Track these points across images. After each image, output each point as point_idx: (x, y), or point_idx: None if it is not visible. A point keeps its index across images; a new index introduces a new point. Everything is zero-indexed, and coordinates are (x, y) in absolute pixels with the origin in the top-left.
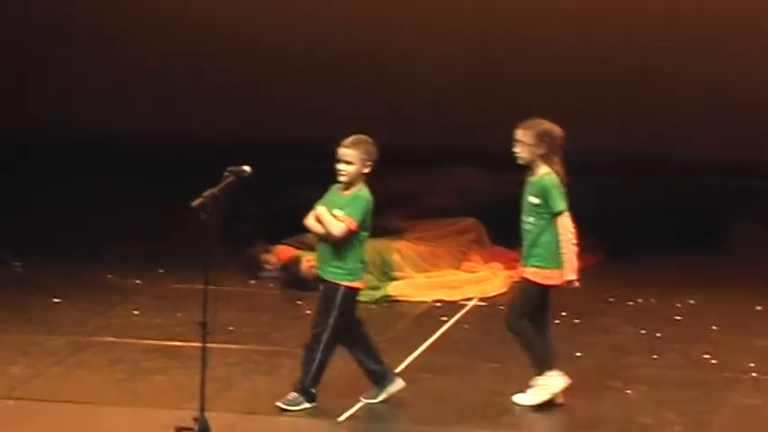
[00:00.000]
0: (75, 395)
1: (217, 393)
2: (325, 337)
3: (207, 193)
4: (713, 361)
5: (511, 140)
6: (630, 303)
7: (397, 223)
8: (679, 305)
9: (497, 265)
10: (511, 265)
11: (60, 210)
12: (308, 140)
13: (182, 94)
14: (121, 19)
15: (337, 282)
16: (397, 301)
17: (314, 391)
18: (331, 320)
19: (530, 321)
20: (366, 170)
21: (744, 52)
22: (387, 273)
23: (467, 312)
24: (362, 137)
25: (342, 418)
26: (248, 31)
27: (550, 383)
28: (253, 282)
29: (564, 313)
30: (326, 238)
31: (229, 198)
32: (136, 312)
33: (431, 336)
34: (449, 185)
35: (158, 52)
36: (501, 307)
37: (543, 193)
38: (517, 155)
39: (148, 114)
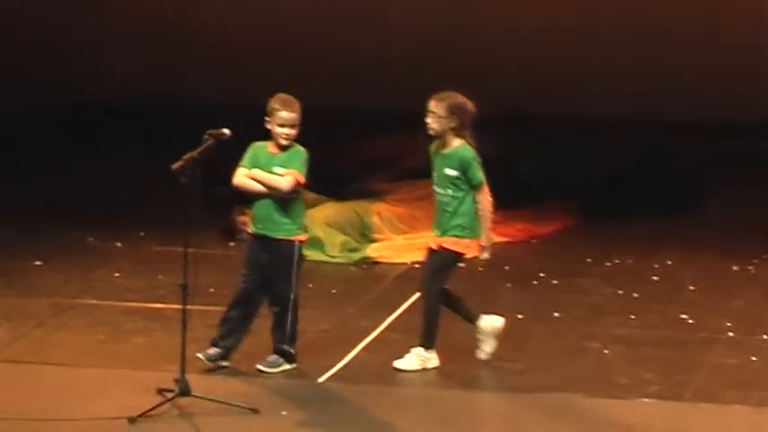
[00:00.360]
0: (57, 357)
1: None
2: (291, 295)
3: (187, 156)
4: (690, 321)
5: (491, 104)
6: (608, 264)
7: (377, 185)
8: (656, 266)
9: None
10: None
11: (41, 173)
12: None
13: (165, 58)
14: None
15: (291, 238)
16: (377, 262)
17: (293, 351)
18: (293, 278)
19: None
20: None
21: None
22: (366, 235)
23: None
24: (290, 96)
25: (322, 379)
26: None
27: (432, 358)
28: (232, 244)
29: (542, 274)
30: (269, 196)
31: (209, 160)
32: (117, 275)
33: (409, 297)
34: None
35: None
36: (480, 268)
37: (462, 166)
38: (428, 126)
39: (131, 78)
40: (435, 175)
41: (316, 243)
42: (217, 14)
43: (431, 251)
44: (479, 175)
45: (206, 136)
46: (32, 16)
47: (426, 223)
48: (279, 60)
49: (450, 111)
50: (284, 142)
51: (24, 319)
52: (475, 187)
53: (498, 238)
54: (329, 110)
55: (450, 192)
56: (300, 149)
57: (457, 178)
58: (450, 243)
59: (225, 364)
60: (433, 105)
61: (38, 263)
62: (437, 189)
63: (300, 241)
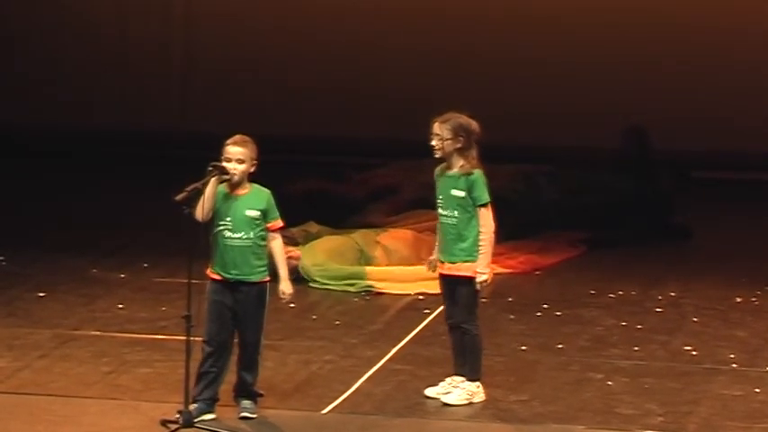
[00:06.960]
0: (61, 388)
1: None
2: (261, 336)
3: (190, 187)
4: (694, 352)
5: (491, 134)
6: (612, 295)
7: (379, 219)
8: (660, 297)
9: None
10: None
11: (44, 204)
12: (299, 134)
13: (162, 90)
14: None
15: (264, 279)
16: (381, 293)
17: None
18: (263, 319)
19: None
20: (252, 169)
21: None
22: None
23: None
24: (246, 136)
25: (326, 411)
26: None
27: (479, 392)
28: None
29: (545, 305)
30: (245, 240)
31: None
32: (120, 306)
33: (414, 328)
34: (426, 178)
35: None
36: (484, 299)
37: (469, 186)
38: (434, 148)
39: (132, 109)
40: (441, 198)
41: (317, 268)
42: (217, 42)
43: (445, 279)
44: (486, 195)
45: (210, 167)
46: None
47: (430, 247)
48: (281, 91)
49: (456, 132)
50: (235, 178)
51: (27, 349)
52: (480, 207)
53: (502, 270)
54: (332, 140)
55: (456, 213)
56: (266, 192)
57: (463, 199)
58: (466, 269)
59: (211, 417)
60: (438, 128)
61: (41, 294)
62: (442, 212)
63: (268, 282)
